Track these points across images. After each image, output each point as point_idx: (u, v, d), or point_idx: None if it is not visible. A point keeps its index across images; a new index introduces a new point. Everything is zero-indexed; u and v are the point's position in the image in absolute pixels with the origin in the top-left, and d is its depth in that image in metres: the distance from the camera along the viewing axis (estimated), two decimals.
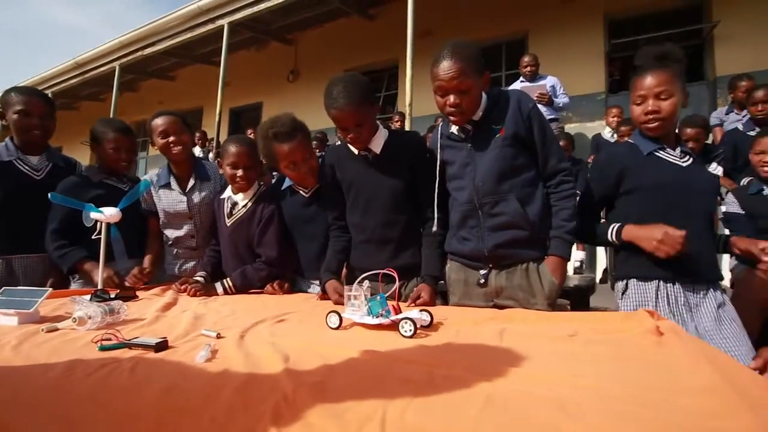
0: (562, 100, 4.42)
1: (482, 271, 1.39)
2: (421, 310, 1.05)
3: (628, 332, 0.95)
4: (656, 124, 1.33)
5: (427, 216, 1.51)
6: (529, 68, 4.43)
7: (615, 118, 4.45)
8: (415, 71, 3.64)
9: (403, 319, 0.96)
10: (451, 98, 1.29)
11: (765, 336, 1.85)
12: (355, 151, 1.53)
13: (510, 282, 1.36)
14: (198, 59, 8.45)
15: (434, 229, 1.45)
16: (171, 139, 1.91)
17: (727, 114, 3.96)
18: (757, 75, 3.88)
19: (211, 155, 6.32)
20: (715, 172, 2.99)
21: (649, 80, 1.32)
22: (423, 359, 0.78)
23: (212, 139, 6.52)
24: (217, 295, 1.69)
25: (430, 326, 1.03)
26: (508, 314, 1.19)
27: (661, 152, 1.39)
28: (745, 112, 3.45)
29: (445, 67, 1.27)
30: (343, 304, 1.39)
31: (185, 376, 0.72)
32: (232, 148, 1.75)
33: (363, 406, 0.57)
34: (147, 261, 1.93)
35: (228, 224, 1.84)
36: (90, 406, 0.60)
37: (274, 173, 3.99)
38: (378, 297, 1.05)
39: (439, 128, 1.50)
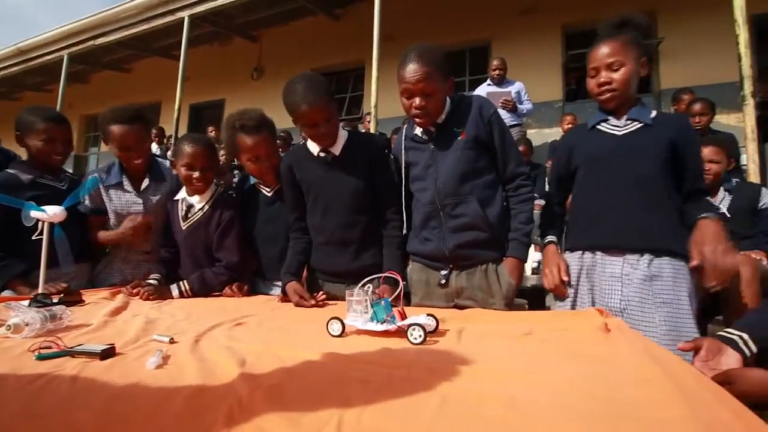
0: (526, 106, 4.50)
1: (443, 272, 1.41)
2: (428, 315, 1.00)
3: (578, 330, 1.00)
4: (609, 95, 1.31)
5: (388, 217, 1.52)
6: (497, 72, 4.46)
7: (569, 125, 4.68)
8: (381, 73, 3.66)
9: (411, 325, 0.92)
10: (417, 100, 1.31)
11: (701, 320, 2.00)
12: (315, 152, 1.52)
13: (470, 282, 1.39)
14: (156, 52, 8.09)
15: (404, 231, 1.48)
16: (132, 154, 1.80)
17: None
18: (698, 89, 4.19)
19: (169, 153, 6.06)
20: None
21: (600, 51, 1.30)
22: (383, 360, 0.78)
23: (170, 136, 6.26)
24: (172, 298, 1.62)
25: (435, 331, 0.98)
26: (467, 314, 1.21)
27: (604, 124, 1.37)
28: None
29: (412, 69, 1.29)
30: (303, 305, 1.38)
31: (133, 384, 0.68)
32: (188, 148, 1.66)
33: (320, 410, 0.57)
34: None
35: (183, 228, 1.76)
36: (22, 422, 0.55)
37: (236, 172, 3.89)
38: (382, 302, 0.99)
39: (404, 130, 1.52)
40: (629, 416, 0.56)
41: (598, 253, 1.33)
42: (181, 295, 1.63)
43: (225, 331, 1.05)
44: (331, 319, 1.00)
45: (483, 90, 4.45)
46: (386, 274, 1.19)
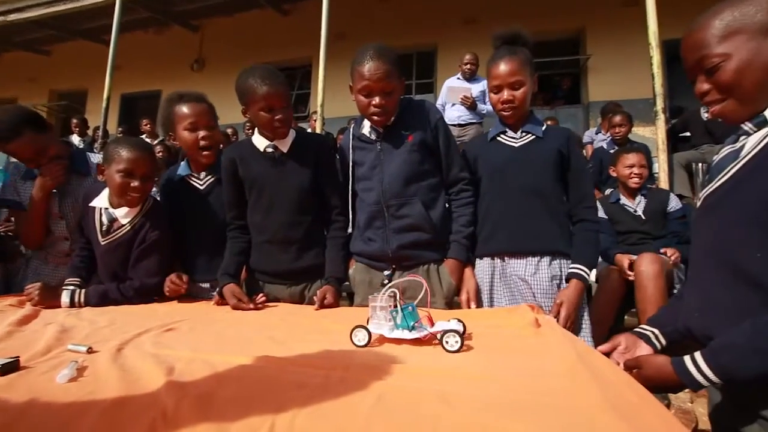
0: (488, 107, 4.33)
1: (386, 272, 1.43)
2: (458, 320, 0.94)
3: (511, 326, 1.06)
4: (511, 112, 1.40)
5: (332, 218, 1.51)
6: (469, 66, 4.34)
7: None
8: (329, 72, 3.63)
9: (447, 331, 0.86)
10: (377, 99, 1.32)
11: (618, 324, 2.21)
12: (261, 148, 1.47)
13: (412, 282, 1.41)
14: (82, 34, 7.42)
15: (350, 230, 1.47)
16: (42, 160, 1.62)
17: (596, 134, 4.64)
18: (621, 103, 4.61)
19: (97, 150, 5.53)
20: None
21: (502, 68, 1.37)
22: (319, 362, 0.77)
23: (97, 127, 5.75)
24: (59, 306, 1.39)
25: (464, 335, 0.92)
26: None
27: (502, 136, 1.47)
28: (608, 134, 4.07)
29: (373, 67, 1.29)
30: (241, 308, 1.33)
31: (39, 400, 0.61)
32: (127, 153, 1.43)
33: (251, 416, 0.55)
34: None
35: (102, 242, 1.53)
36: None
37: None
38: (410, 307, 0.92)
39: (351, 129, 1.52)
40: (551, 405, 0.60)
41: (505, 258, 1.42)
42: (72, 305, 1.40)
43: (153, 338, 0.98)
44: (355, 327, 0.91)
45: (448, 84, 4.40)
46: (409, 278, 1.16)
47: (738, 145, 0.83)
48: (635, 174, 2.47)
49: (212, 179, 1.62)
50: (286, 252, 1.47)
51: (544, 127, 1.44)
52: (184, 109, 1.54)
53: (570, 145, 1.41)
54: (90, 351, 0.85)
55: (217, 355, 0.82)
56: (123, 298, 1.46)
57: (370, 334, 0.90)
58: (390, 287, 0.97)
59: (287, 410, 0.56)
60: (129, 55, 7.30)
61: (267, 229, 1.48)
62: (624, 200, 2.53)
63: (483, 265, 1.45)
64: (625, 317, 2.30)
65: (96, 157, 1.84)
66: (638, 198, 2.51)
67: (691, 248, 0.91)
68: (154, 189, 1.66)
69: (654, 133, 2.97)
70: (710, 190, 0.84)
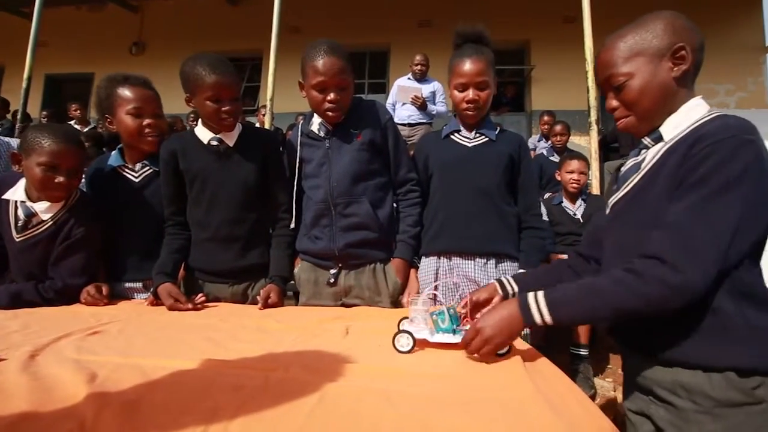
0: (438, 107, 4.36)
1: (332, 271, 1.41)
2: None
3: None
4: (474, 113, 1.40)
5: (278, 216, 1.47)
6: (419, 67, 4.33)
7: None
8: (280, 66, 3.53)
9: None
10: (332, 95, 1.30)
11: None
12: (205, 140, 1.40)
13: (358, 282, 1.41)
14: None
15: (292, 226, 1.44)
16: None
17: (538, 141, 4.92)
18: (560, 113, 4.91)
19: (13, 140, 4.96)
20: None
21: (469, 67, 1.36)
22: (259, 364, 0.75)
23: (17, 110, 5.17)
24: None
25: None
26: (354, 312, 1.24)
27: (456, 135, 1.48)
28: (549, 141, 4.33)
29: (328, 63, 1.28)
30: (178, 309, 1.26)
31: None
32: (51, 144, 1.27)
33: (182, 423, 0.52)
34: None
35: (17, 239, 1.35)
36: None
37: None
38: (449, 310, 0.88)
39: (300, 126, 1.48)
40: (486, 399, 0.62)
41: (452, 257, 1.44)
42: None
43: (75, 342, 0.90)
44: (400, 332, 0.86)
45: (398, 83, 4.41)
46: (454, 279, 1.11)
47: (640, 157, 0.91)
48: (574, 180, 2.66)
49: (149, 171, 1.50)
50: (228, 250, 1.41)
51: (497, 131, 1.47)
52: (128, 92, 1.42)
53: (522, 151, 1.46)
54: None
55: (147, 360, 0.77)
56: (41, 299, 1.31)
57: (414, 339, 0.85)
58: (429, 290, 0.95)
59: (222, 415, 0.54)
60: (57, 32, 6.67)
61: (209, 225, 1.41)
62: (566, 203, 2.71)
63: (428, 263, 1.47)
64: None
65: (12, 142, 1.65)
66: (579, 202, 2.70)
67: (603, 248, 0.98)
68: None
69: (588, 143, 3.20)
70: (618, 197, 0.93)
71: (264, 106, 4.93)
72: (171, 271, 1.38)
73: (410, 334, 0.85)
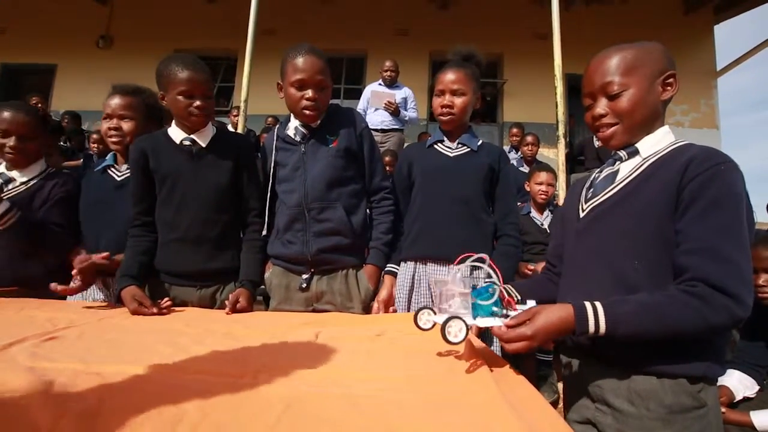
0: (410, 114, 4.41)
1: (304, 276, 1.41)
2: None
3: (427, 331, 1.10)
4: (449, 117, 1.45)
5: (249, 220, 1.45)
6: (389, 73, 4.36)
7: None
8: (255, 68, 3.49)
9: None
10: (310, 92, 1.32)
11: None
12: (177, 140, 1.38)
13: (330, 287, 1.41)
14: None
15: (264, 233, 1.42)
16: None
17: (509, 152, 5.06)
18: (530, 125, 5.09)
19: None
20: None
21: (448, 76, 1.44)
22: (225, 369, 0.74)
23: None
24: None
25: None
26: (322, 318, 1.23)
27: (439, 144, 1.53)
28: (518, 152, 4.48)
29: (310, 61, 1.31)
30: (142, 313, 1.21)
31: None
32: (3, 114, 1.46)
33: (145, 430, 0.51)
34: None
35: None
36: None
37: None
38: (490, 290, 0.80)
39: (276, 129, 1.48)
40: (451, 403, 0.64)
41: (428, 263, 1.46)
42: (2, 218, 1.34)
43: (29, 348, 0.85)
44: (450, 318, 0.75)
45: (371, 88, 4.42)
46: (476, 261, 0.92)
47: (615, 168, 0.97)
48: (543, 191, 2.76)
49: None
50: (197, 252, 1.38)
51: (480, 143, 1.52)
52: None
53: (501, 162, 1.50)
54: None
55: (109, 366, 0.74)
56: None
57: (467, 326, 0.75)
58: (459, 270, 0.83)
59: (186, 422, 0.53)
60: (15, 19, 6.34)
61: (178, 226, 1.38)
62: (534, 214, 2.80)
63: (406, 268, 1.48)
64: None
65: None
66: (546, 213, 2.80)
67: (573, 250, 1.01)
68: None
69: (556, 155, 3.32)
70: (596, 203, 0.97)
71: (237, 107, 4.85)
72: (136, 274, 1.34)
73: (464, 321, 0.75)
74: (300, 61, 1.31)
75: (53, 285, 1.30)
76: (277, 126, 1.50)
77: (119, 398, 0.61)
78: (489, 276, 0.81)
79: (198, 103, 1.33)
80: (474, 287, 0.82)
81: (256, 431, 0.53)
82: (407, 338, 1.03)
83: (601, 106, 0.94)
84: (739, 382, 1.52)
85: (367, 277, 1.43)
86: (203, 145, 1.39)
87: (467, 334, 0.76)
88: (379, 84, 4.47)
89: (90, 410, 0.56)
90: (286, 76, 1.34)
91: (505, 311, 0.82)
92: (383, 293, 1.45)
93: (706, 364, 0.81)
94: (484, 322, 0.79)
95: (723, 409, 1.17)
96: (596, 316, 0.77)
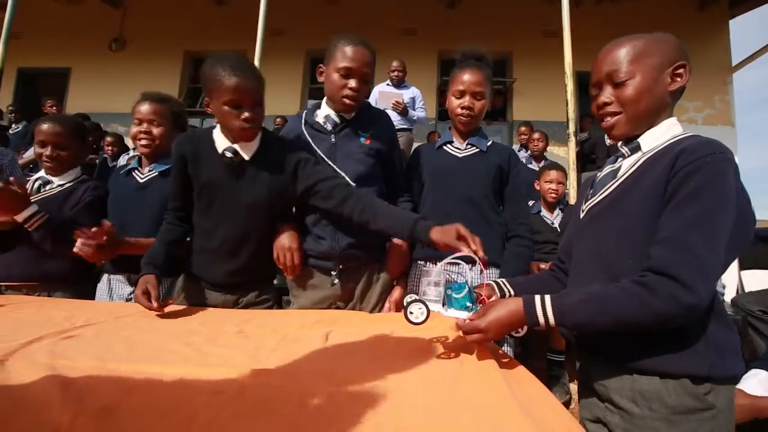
0: (418, 114, 4.40)
1: (333, 273, 1.38)
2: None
3: (435, 329, 1.10)
4: (468, 119, 1.46)
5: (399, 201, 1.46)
6: (396, 73, 4.37)
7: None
8: (263, 68, 3.51)
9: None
10: (354, 82, 1.31)
11: None
12: (219, 148, 1.28)
13: (355, 283, 1.40)
14: None
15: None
16: None
17: (518, 151, 5.04)
18: (539, 123, 5.05)
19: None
20: None
21: (468, 76, 1.43)
22: (238, 369, 0.74)
23: None
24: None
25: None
26: (334, 316, 1.24)
27: (448, 146, 1.53)
28: (528, 151, 4.45)
29: (360, 52, 1.31)
30: (140, 303, 1.19)
31: None
32: (43, 126, 1.59)
33: (161, 428, 0.52)
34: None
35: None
36: None
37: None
38: (466, 287, 0.86)
39: (303, 115, 1.45)
40: (462, 403, 0.64)
41: (437, 263, 1.44)
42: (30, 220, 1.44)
43: (48, 347, 0.87)
44: (412, 302, 0.85)
45: (378, 89, 4.41)
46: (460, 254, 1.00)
47: (616, 165, 0.96)
48: (553, 189, 2.74)
49: (154, 174, 1.60)
50: (229, 263, 1.35)
51: (489, 143, 1.51)
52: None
53: (511, 162, 1.50)
54: None
55: (125, 364, 0.76)
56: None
57: (428, 310, 0.84)
58: (445, 262, 0.91)
59: (200, 419, 0.54)
60: (31, 24, 6.45)
61: (214, 238, 1.34)
62: (544, 212, 2.78)
63: (416, 268, 1.49)
64: None
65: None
66: (556, 212, 2.77)
67: (575, 251, 1.01)
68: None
69: (567, 153, 3.29)
70: (594, 202, 0.96)
71: None
72: (162, 264, 1.31)
73: (424, 303, 0.84)
74: (351, 49, 1.30)
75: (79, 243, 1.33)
76: (304, 112, 1.47)
77: (134, 396, 0.62)
78: (481, 272, 0.84)
79: (246, 114, 1.21)
80: (449, 281, 0.90)
81: (269, 429, 0.54)
82: (416, 337, 1.03)
83: (607, 94, 0.92)
84: (759, 383, 1.48)
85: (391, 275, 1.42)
86: (246, 158, 1.29)
87: (428, 316, 0.85)
88: (387, 84, 4.48)
89: (107, 408, 0.57)
90: (333, 61, 1.32)
91: (478, 307, 0.87)
92: (396, 293, 1.44)
93: (708, 363, 0.78)
94: (453, 313, 0.86)
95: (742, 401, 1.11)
96: (544, 307, 0.81)
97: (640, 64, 0.89)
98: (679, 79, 0.89)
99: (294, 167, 1.31)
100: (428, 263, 1.42)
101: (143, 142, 1.59)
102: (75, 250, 1.33)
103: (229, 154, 1.28)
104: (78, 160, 1.70)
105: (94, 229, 1.32)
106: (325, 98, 1.44)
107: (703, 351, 0.79)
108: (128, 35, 7.23)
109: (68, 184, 1.65)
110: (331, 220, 1.36)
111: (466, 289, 0.86)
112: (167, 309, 1.25)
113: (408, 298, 0.94)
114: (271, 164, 1.31)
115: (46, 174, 1.66)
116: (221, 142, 1.30)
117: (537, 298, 0.82)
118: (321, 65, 1.39)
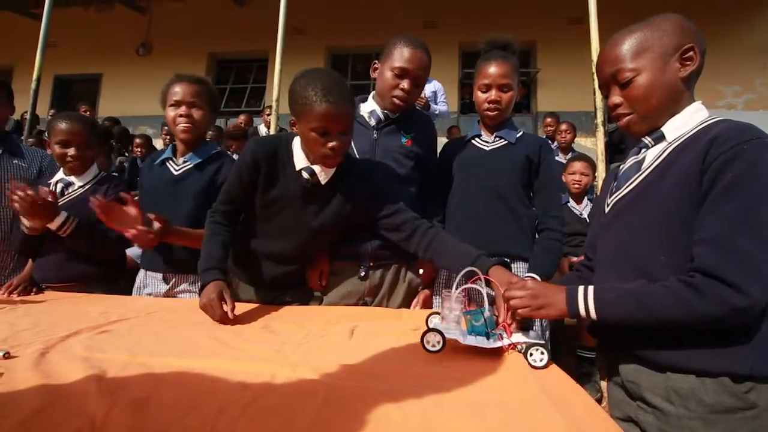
0: (440, 108, 4.27)
1: (362, 272, 1.38)
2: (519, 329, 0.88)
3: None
4: (496, 113, 1.42)
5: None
6: None
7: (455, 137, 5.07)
8: (285, 67, 3.54)
9: (532, 344, 0.80)
10: (407, 84, 1.33)
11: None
12: (297, 165, 1.22)
13: (383, 280, 1.39)
14: (7, 6, 6.72)
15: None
16: None
17: None
18: (565, 114, 4.90)
19: (24, 138, 4.98)
20: None
21: (494, 69, 1.39)
22: (265, 363, 0.75)
23: (24, 112, 5.22)
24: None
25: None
26: (360, 312, 1.23)
27: (477, 139, 1.50)
28: (554, 143, 4.33)
29: (418, 55, 1.32)
30: (207, 312, 1.09)
31: None
32: (62, 125, 1.55)
33: (190, 421, 0.53)
34: None
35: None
36: None
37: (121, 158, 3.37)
38: (486, 312, 0.84)
39: None
40: (491, 400, 0.63)
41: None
42: (63, 227, 1.47)
43: (84, 341, 0.91)
44: (428, 330, 0.84)
45: None
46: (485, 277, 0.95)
47: (640, 156, 0.90)
48: (575, 180, 2.67)
49: (189, 166, 1.52)
50: (277, 268, 1.35)
51: (519, 134, 1.47)
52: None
53: (542, 153, 1.44)
54: (7, 356, 0.77)
55: (155, 358, 0.78)
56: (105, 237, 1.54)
57: (444, 339, 0.83)
58: (462, 289, 0.88)
59: (229, 414, 0.54)
60: (65, 33, 6.73)
61: (270, 246, 1.32)
62: (572, 203, 2.71)
63: (441, 276, 1.47)
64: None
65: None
66: (585, 202, 2.70)
67: (600, 246, 0.97)
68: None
69: (595, 144, 3.18)
70: (619, 196, 0.91)
71: (269, 107, 4.93)
72: (224, 267, 1.23)
73: (441, 333, 0.83)
74: (409, 51, 1.31)
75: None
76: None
77: (165, 389, 0.64)
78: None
79: (333, 144, 1.11)
80: (467, 308, 0.89)
81: (295, 424, 0.54)
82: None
83: (615, 95, 0.89)
84: None
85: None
86: (322, 182, 1.23)
87: (443, 346, 0.83)
88: None
89: (139, 400, 0.58)
90: (389, 59, 1.33)
91: (499, 333, 0.86)
92: (422, 294, 1.43)
93: (750, 360, 0.73)
94: (472, 340, 0.83)
95: None
96: (586, 299, 0.81)
97: (642, 58, 0.84)
98: (689, 62, 0.83)
99: (366, 197, 1.26)
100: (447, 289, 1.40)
101: (183, 126, 1.47)
102: (128, 235, 1.28)
103: (306, 176, 1.21)
104: (97, 157, 1.71)
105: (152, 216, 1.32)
106: (372, 93, 1.45)
107: (745, 348, 0.74)
108: (154, 40, 7.45)
109: (89, 185, 1.64)
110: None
111: (482, 320, 0.84)
112: (191, 302, 1.26)
113: (429, 321, 0.97)
114: (344, 192, 1.26)
115: (65, 175, 1.64)
116: (300, 158, 1.23)
117: (580, 288, 0.82)
118: (376, 61, 1.39)
